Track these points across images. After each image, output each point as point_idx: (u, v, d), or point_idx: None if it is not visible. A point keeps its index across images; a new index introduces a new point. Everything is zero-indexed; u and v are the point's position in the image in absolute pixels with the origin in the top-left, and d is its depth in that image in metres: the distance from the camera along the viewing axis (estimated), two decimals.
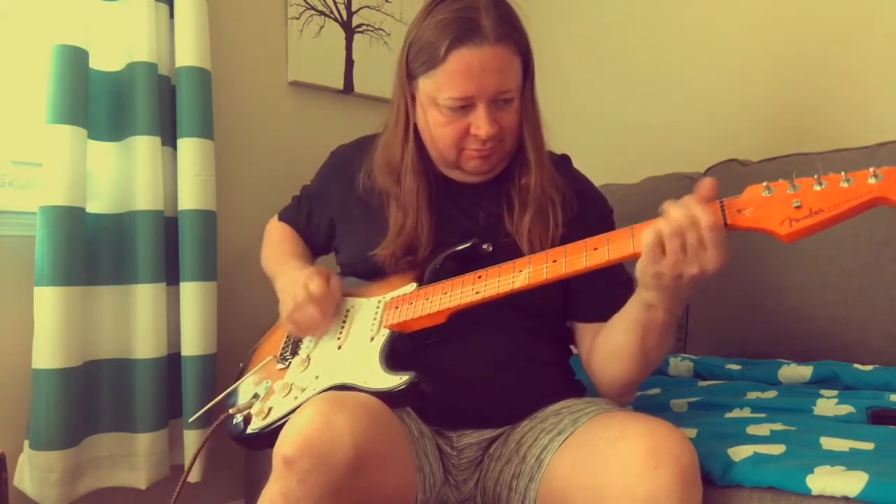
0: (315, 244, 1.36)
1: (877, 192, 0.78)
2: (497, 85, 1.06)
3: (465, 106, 1.07)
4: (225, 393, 1.19)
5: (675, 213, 0.86)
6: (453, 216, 1.17)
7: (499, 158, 1.14)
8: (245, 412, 1.09)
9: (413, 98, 1.14)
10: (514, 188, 1.15)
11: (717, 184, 0.89)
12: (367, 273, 1.19)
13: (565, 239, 1.04)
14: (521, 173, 1.15)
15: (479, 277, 1.03)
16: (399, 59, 1.14)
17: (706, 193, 0.89)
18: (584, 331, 1.15)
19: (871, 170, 0.79)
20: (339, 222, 1.27)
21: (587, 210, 1.17)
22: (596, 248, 0.94)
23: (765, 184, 0.85)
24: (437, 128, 1.10)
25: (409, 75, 1.12)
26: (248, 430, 1.07)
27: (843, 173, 0.81)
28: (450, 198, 1.18)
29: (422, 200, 1.14)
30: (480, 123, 1.07)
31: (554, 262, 0.97)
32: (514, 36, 1.07)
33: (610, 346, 1.07)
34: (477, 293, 1.01)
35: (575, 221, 1.13)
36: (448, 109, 1.07)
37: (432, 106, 1.09)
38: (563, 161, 1.23)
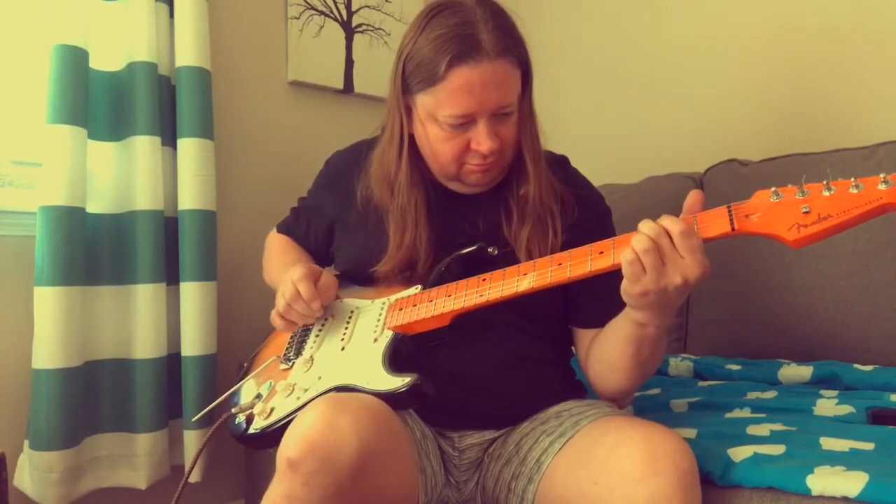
0: (316, 255, 1.35)
1: (886, 199, 0.78)
2: (498, 100, 1.04)
3: (465, 122, 1.06)
4: (228, 393, 1.19)
5: (645, 227, 0.87)
6: (454, 223, 1.16)
7: (499, 171, 1.13)
8: (247, 412, 1.09)
9: (409, 110, 1.12)
10: (513, 198, 1.14)
11: (702, 195, 0.91)
12: (365, 281, 1.19)
13: (566, 245, 1.04)
14: (519, 183, 1.14)
15: (484, 280, 1.03)
16: (393, 73, 1.11)
17: (692, 206, 0.90)
18: (583, 335, 1.16)
19: (882, 176, 0.79)
20: (338, 232, 1.26)
21: (586, 213, 1.17)
22: (601, 253, 0.94)
23: (773, 189, 0.85)
24: (437, 143, 1.09)
25: (405, 90, 1.10)
26: (251, 430, 1.07)
27: (852, 179, 0.80)
28: (449, 206, 1.17)
29: (420, 214, 1.13)
30: (482, 139, 1.05)
31: (559, 265, 0.97)
32: (513, 49, 1.05)
33: (605, 358, 1.07)
34: (481, 296, 1.01)
35: (575, 226, 1.13)
36: (448, 126, 1.06)
37: (432, 121, 1.08)
38: (561, 162, 1.23)
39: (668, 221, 0.87)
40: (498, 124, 1.07)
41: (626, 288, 0.90)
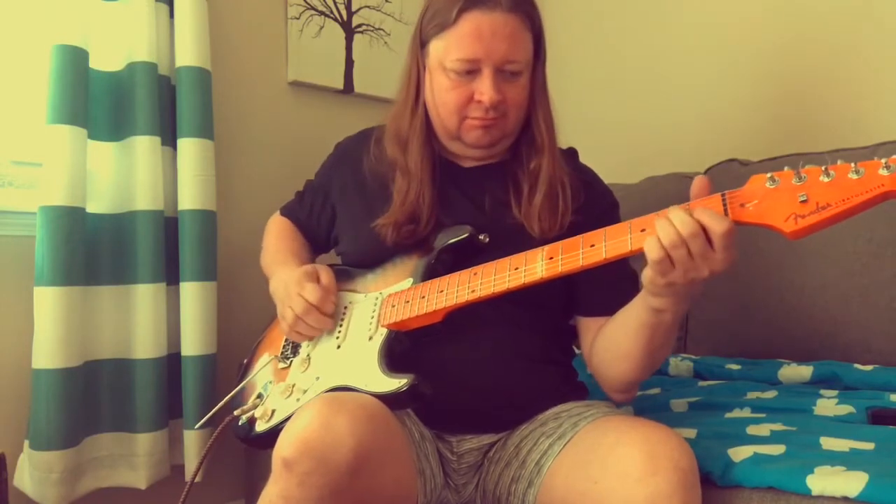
0: (316, 238, 1.35)
1: (888, 186, 0.73)
2: (505, 52, 1.06)
3: (471, 71, 1.08)
4: (229, 396, 1.19)
5: (678, 219, 0.83)
6: (459, 199, 1.17)
7: (501, 133, 1.14)
8: (249, 413, 1.10)
9: (424, 68, 1.15)
10: (523, 171, 1.15)
11: (709, 181, 0.87)
12: (365, 261, 1.19)
13: (574, 226, 1.04)
14: (529, 156, 1.15)
15: (475, 275, 1.01)
16: (415, 28, 1.15)
17: (698, 193, 0.87)
18: (588, 325, 1.14)
19: (883, 161, 0.74)
20: (341, 208, 1.26)
21: (595, 200, 1.17)
22: (593, 245, 0.91)
23: (769, 174, 0.81)
24: (441, 93, 1.11)
25: (422, 42, 1.14)
26: (254, 432, 1.07)
27: (852, 164, 0.76)
28: (454, 181, 1.18)
29: (425, 173, 1.14)
30: (484, 89, 1.07)
31: (550, 259, 0.95)
32: (527, 10, 1.09)
33: (615, 347, 1.05)
34: (473, 292, 1.00)
35: (583, 209, 1.13)
36: (454, 73, 1.08)
37: (440, 70, 1.10)
38: (570, 154, 1.24)
39: (708, 218, 0.81)
40: (504, 82, 1.09)
41: (652, 278, 0.87)
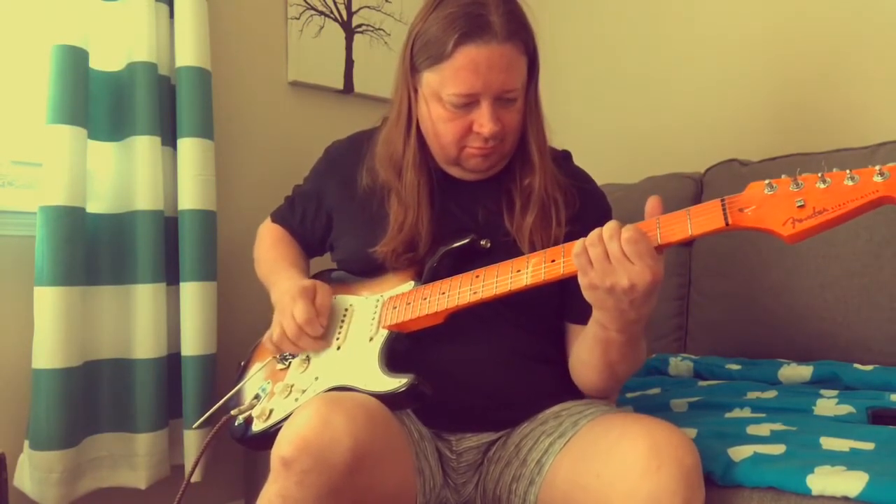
0: (309, 245, 1.34)
1: (883, 192, 0.76)
2: (503, 83, 1.05)
3: (468, 103, 1.06)
4: (227, 397, 1.19)
5: (608, 224, 0.89)
6: (452, 213, 1.16)
7: (499, 157, 1.14)
8: (247, 413, 1.09)
9: (416, 91, 1.12)
10: (516, 188, 1.14)
11: (660, 200, 0.91)
12: (364, 270, 1.18)
13: (571, 235, 1.04)
14: (523, 173, 1.14)
15: (477, 277, 1.02)
16: (402, 52, 1.12)
17: (651, 212, 0.90)
18: (573, 331, 1.15)
19: (877, 168, 0.77)
20: (336, 219, 1.26)
21: (588, 207, 1.17)
22: None
23: (767, 181, 0.83)
24: (439, 123, 1.09)
25: (412, 68, 1.11)
26: (251, 432, 1.07)
27: (847, 171, 0.78)
28: (449, 195, 1.17)
29: (423, 196, 1.13)
30: (484, 121, 1.06)
31: (552, 262, 0.96)
32: (522, 35, 1.06)
33: (579, 357, 1.09)
34: (475, 294, 1.01)
35: (577, 218, 1.13)
36: (451, 105, 1.07)
37: (435, 101, 1.08)
38: (564, 157, 1.23)
39: (626, 226, 0.88)
40: (501, 109, 1.07)
41: (579, 279, 0.91)
